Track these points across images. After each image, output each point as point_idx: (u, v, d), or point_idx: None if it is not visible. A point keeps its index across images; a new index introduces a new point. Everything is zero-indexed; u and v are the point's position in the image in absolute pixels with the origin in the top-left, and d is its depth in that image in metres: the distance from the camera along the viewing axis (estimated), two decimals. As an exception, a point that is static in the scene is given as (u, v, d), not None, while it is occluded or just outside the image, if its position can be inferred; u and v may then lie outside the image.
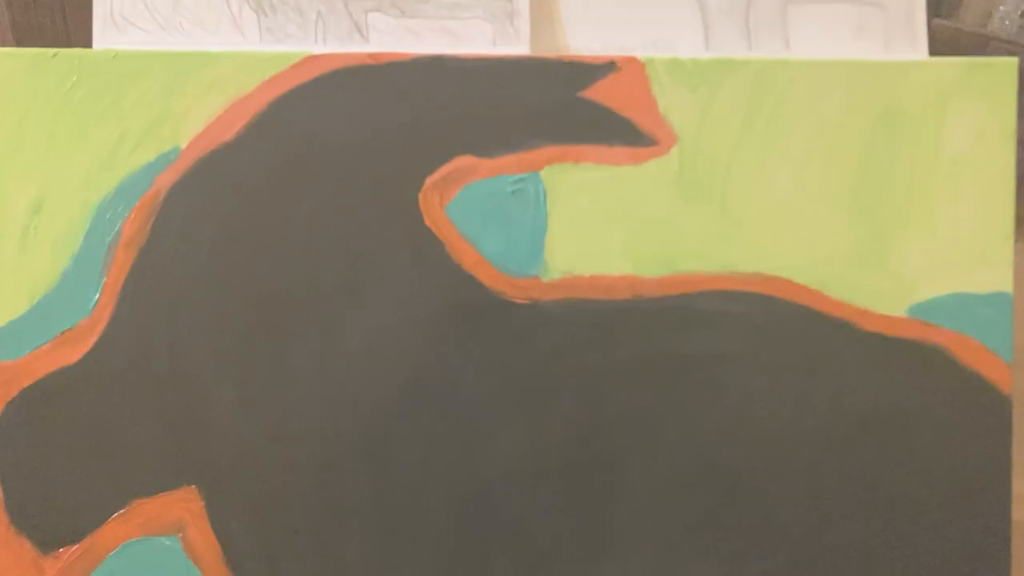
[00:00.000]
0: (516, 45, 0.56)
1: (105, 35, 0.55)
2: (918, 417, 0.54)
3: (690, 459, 0.54)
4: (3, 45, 1.19)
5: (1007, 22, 1.40)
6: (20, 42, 1.29)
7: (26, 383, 0.54)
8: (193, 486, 0.54)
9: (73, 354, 0.54)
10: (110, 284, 0.54)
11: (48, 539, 0.54)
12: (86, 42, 0.56)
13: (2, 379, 0.54)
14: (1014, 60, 0.54)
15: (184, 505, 0.54)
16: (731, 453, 0.54)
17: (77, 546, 0.54)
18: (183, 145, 0.53)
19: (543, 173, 0.54)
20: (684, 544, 0.54)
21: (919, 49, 0.57)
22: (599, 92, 0.54)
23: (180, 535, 0.54)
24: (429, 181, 0.54)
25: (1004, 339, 0.54)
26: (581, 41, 0.57)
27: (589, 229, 0.54)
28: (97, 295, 0.54)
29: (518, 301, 0.54)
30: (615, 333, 0.54)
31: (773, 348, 0.54)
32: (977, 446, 0.54)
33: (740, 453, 0.54)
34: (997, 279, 0.54)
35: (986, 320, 0.54)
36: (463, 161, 0.54)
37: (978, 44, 1.44)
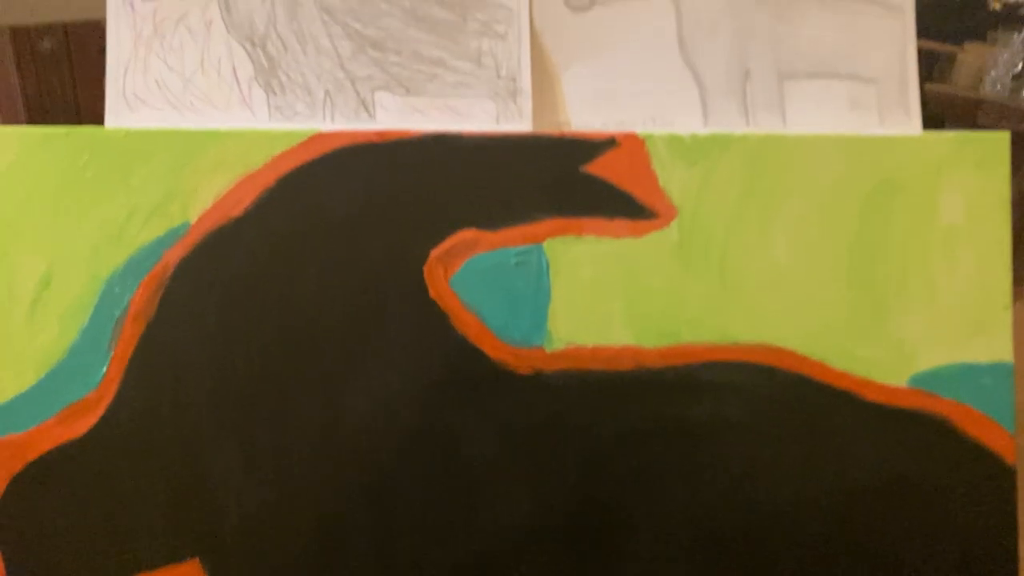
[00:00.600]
0: (519, 122, 0.57)
1: (117, 113, 0.57)
2: (922, 487, 0.54)
3: (694, 529, 0.54)
4: (16, 118, 1.22)
5: (998, 85, 1.43)
6: (32, 113, 1.31)
7: (31, 457, 0.54)
8: (197, 559, 0.54)
9: (79, 427, 0.54)
10: (117, 357, 0.54)
11: (50, 615, 0.54)
12: (96, 114, 0.58)
13: (7, 454, 0.54)
14: (1006, 134, 0.55)
15: (187, 579, 0.54)
16: (734, 523, 0.54)
17: (79, 622, 0.53)
18: (192, 220, 0.54)
19: (546, 245, 0.55)
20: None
21: (913, 123, 0.58)
22: (600, 167, 0.55)
23: (183, 610, 0.54)
24: (434, 254, 0.55)
25: (1006, 408, 0.54)
26: (582, 118, 0.58)
27: (592, 300, 0.55)
28: (104, 368, 0.54)
29: (522, 372, 0.55)
30: (618, 404, 0.55)
31: (776, 418, 0.55)
32: (982, 516, 0.54)
33: (743, 523, 0.54)
34: (996, 348, 0.55)
35: (987, 389, 0.54)
36: (467, 234, 0.55)
37: (970, 106, 1.47)
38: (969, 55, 1.53)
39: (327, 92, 0.57)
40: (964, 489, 0.54)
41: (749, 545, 0.54)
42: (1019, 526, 0.54)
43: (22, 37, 1.28)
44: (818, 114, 0.58)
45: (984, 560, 0.54)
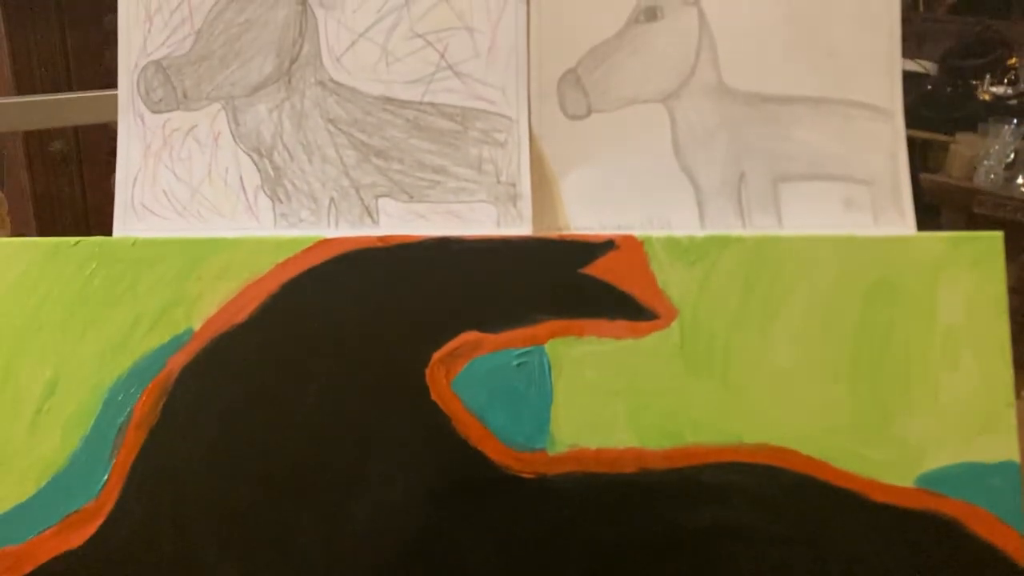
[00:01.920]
0: (519, 226, 0.58)
1: (125, 222, 0.58)
2: (934, 591, 0.53)
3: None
4: (25, 216, 1.24)
5: (992, 176, 1.45)
6: (41, 211, 1.34)
7: (28, 569, 0.53)
8: (193, 675, 0.52)
9: (78, 538, 0.53)
10: (119, 466, 0.54)
11: None
12: (103, 213, 0.59)
13: (5, 565, 0.53)
14: (999, 234, 0.56)
15: None
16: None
17: None
18: (196, 327, 0.55)
19: (547, 347, 0.55)
20: None
21: (907, 223, 0.59)
22: (599, 269, 0.56)
23: None
24: (436, 356, 0.55)
25: (1015, 510, 0.53)
26: (581, 220, 0.59)
27: (594, 401, 0.55)
28: (105, 477, 0.54)
29: (525, 476, 0.54)
30: (622, 508, 0.54)
31: (783, 521, 0.54)
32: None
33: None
34: (1002, 447, 0.54)
35: (996, 490, 0.54)
36: (469, 337, 0.55)
37: (966, 196, 1.49)
38: (962, 145, 1.56)
39: (332, 199, 0.58)
40: (978, 593, 0.53)
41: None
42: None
43: (33, 139, 1.32)
44: (813, 215, 0.59)
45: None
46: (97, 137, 1.36)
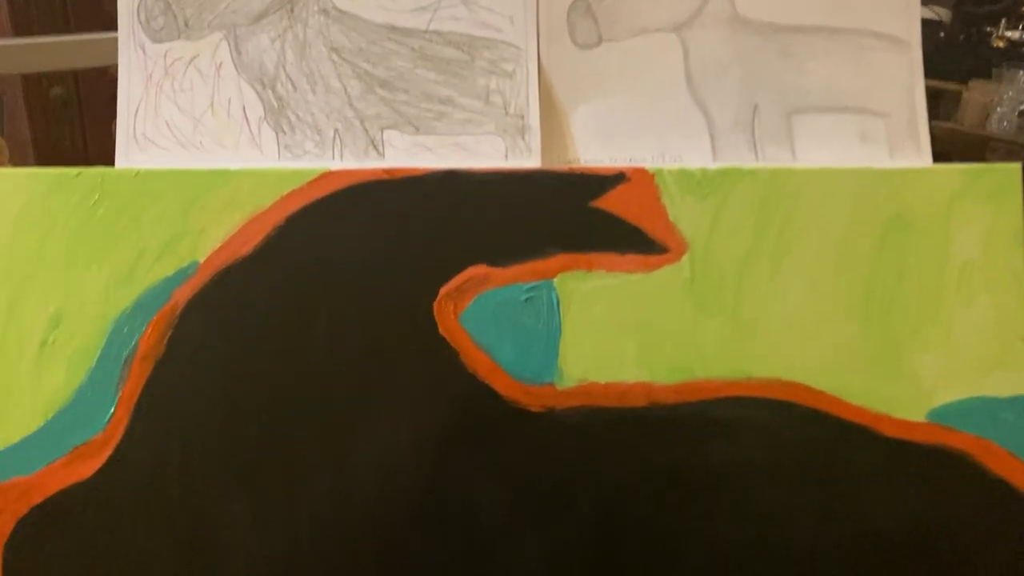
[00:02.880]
0: (528, 159, 0.57)
1: (127, 154, 0.57)
2: (943, 525, 0.53)
3: (709, 571, 0.53)
4: (26, 163, 1.23)
5: (1005, 123, 1.43)
6: (42, 159, 1.32)
7: (37, 500, 0.53)
8: (203, 606, 0.53)
9: (86, 470, 0.53)
10: (125, 398, 0.54)
11: (54, 660, 0.52)
12: (105, 159, 0.58)
13: (14, 496, 0.53)
14: (1017, 165, 0.55)
15: (193, 625, 0.53)
16: (750, 567, 0.53)
17: (83, 669, 0.52)
18: (201, 260, 0.54)
19: (556, 281, 0.54)
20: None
21: (923, 155, 0.58)
22: (609, 202, 0.55)
23: (189, 657, 0.52)
24: (443, 291, 0.54)
25: (1028, 444, 0.53)
26: (591, 154, 0.58)
27: (603, 336, 0.54)
28: (112, 409, 0.54)
29: (533, 410, 0.54)
30: (631, 442, 0.54)
31: (792, 456, 0.53)
32: (1005, 554, 0.53)
33: (759, 567, 0.53)
34: (1016, 382, 0.54)
35: (1008, 424, 0.53)
36: (477, 271, 0.54)
37: (978, 144, 1.47)
38: (975, 93, 1.53)
39: (336, 131, 0.57)
40: (986, 526, 0.53)
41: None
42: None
43: (33, 85, 1.30)
44: (828, 149, 0.58)
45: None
46: (97, 83, 1.34)
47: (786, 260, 0.55)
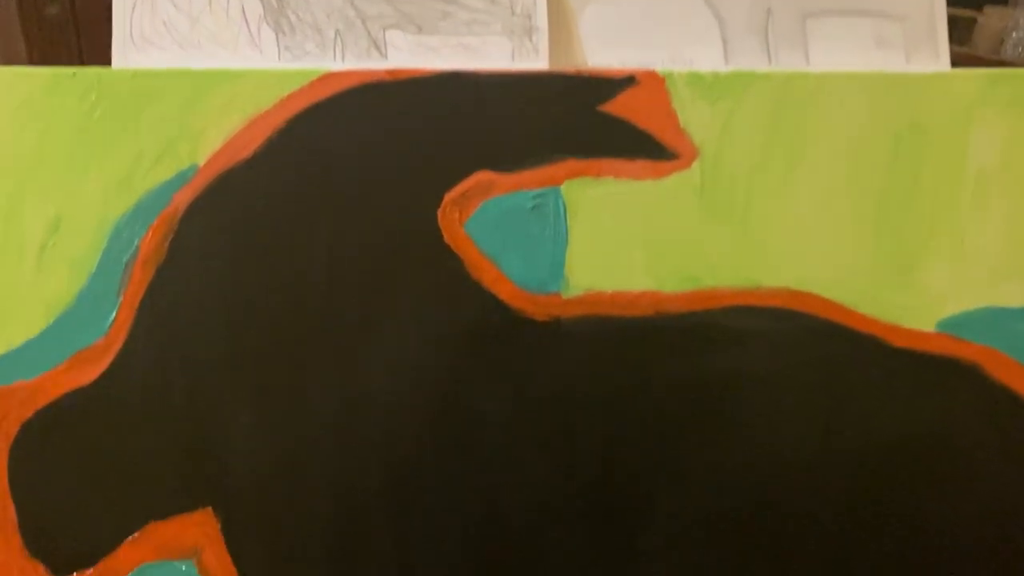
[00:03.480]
0: (534, 61, 0.56)
1: (124, 54, 0.55)
2: (951, 436, 0.53)
3: (714, 484, 0.53)
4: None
5: (1020, 48, 1.39)
6: (35, 62, 1.30)
7: (41, 404, 0.53)
8: (209, 509, 0.53)
9: (88, 374, 0.53)
10: (127, 303, 0.53)
11: (62, 563, 0.53)
12: (99, 62, 0.56)
13: (17, 400, 0.53)
14: (1038, 71, 0.54)
15: (200, 529, 0.53)
16: (756, 477, 0.53)
17: (91, 570, 0.53)
18: (201, 163, 0.53)
19: (563, 188, 0.53)
20: (708, 572, 0.53)
21: (941, 61, 0.56)
22: (619, 106, 0.54)
23: (195, 559, 0.53)
24: (448, 198, 0.53)
25: (1038, 354, 0.53)
26: (600, 57, 0.56)
27: (611, 244, 0.53)
28: (113, 314, 0.53)
29: (539, 319, 0.53)
30: (638, 351, 0.53)
31: (800, 366, 0.53)
32: (1013, 466, 0.53)
33: (766, 477, 0.53)
34: (1028, 292, 0.53)
35: (1018, 334, 0.53)
36: (482, 177, 0.53)
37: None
38: (990, 19, 1.50)
39: (337, 31, 0.55)
40: (994, 437, 0.53)
41: (772, 501, 0.53)
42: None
43: (28, 3, 1.27)
44: (842, 53, 0.56)
45: (1015, 512, 0.52)
46: (94, 2, 1.31)
47: (798, 167, 0.54)
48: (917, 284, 0.53)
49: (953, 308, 0.53)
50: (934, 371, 0.53)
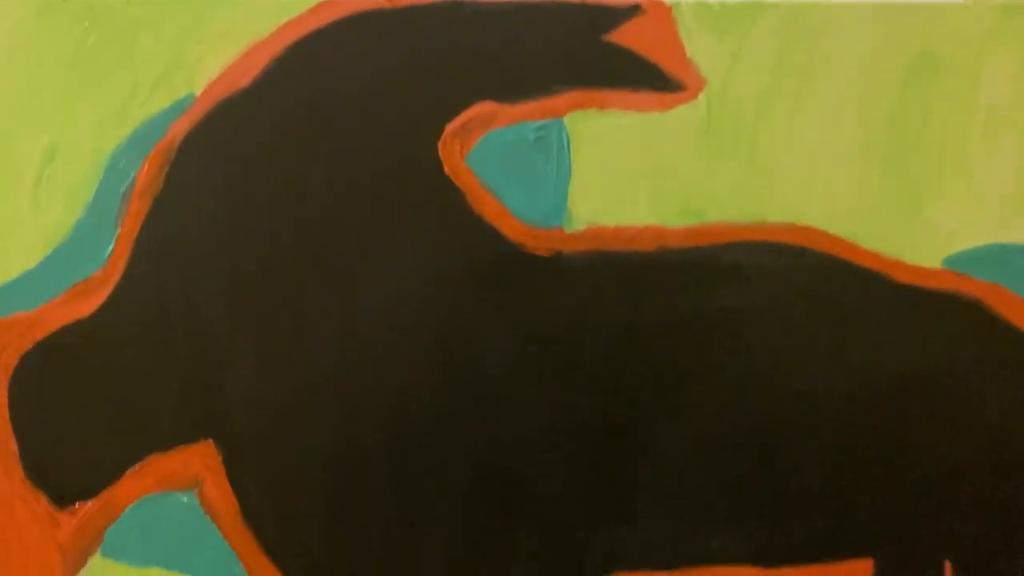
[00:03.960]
0: (538, -12, 0.54)
1: (118, -20, 0.54)
2: (954, 373, 0.52)
3: (716, 419, 0.53)
4: None
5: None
6: None
7: (40, 335, 0.53)
8: (211, 440, 0.53)
9: (87, 306, 0.53)
10: (124, 235, 0.53)
11: (64, 494, 0.53)
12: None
13: (16, 331, 0.53)
14: (1057, 2, 0.52)
15: (201, 460, 0.53)
16: (758, 413, 0.53)
17: (93, 501, 0.53)
18: (198, 92, 0.52)
19: (567, 120, 0.53)
20: (710, 508, 0.53)
21: (956, -8, 0.55)
22: (624, 36, 0.52)
23: (197, 490, 0.53)
24: (449, 129, 0.53)
25: (1044, 291, 0.52)
26: (605, -16, 0.55)
27: (614, 178, 0.53)
28: (111, 246, 0.53)
29: (541, 253, 0.53)
30: (640, 287, 0.53)
31: (803, 302, 0.53)
32: (1016, 403, 0.52)
33: (768, 413, 0.53)
34: (1036, 230, 0.52)
35: (1024, 272, 0.52)
36: (484, 108, 0.53)
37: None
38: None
39: (337, -43, 0.54)
40: (997, 375, 0.52)
41: (772, 437, 0.53)
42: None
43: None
44: (855, -18, 0.55)
45: (1015, 444, 0.52)
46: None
47: (807, 99, 0.53)
48: (924, 220, 0.53)
49: (960, 245, 0.53)
50: (937, 306, 0.53)
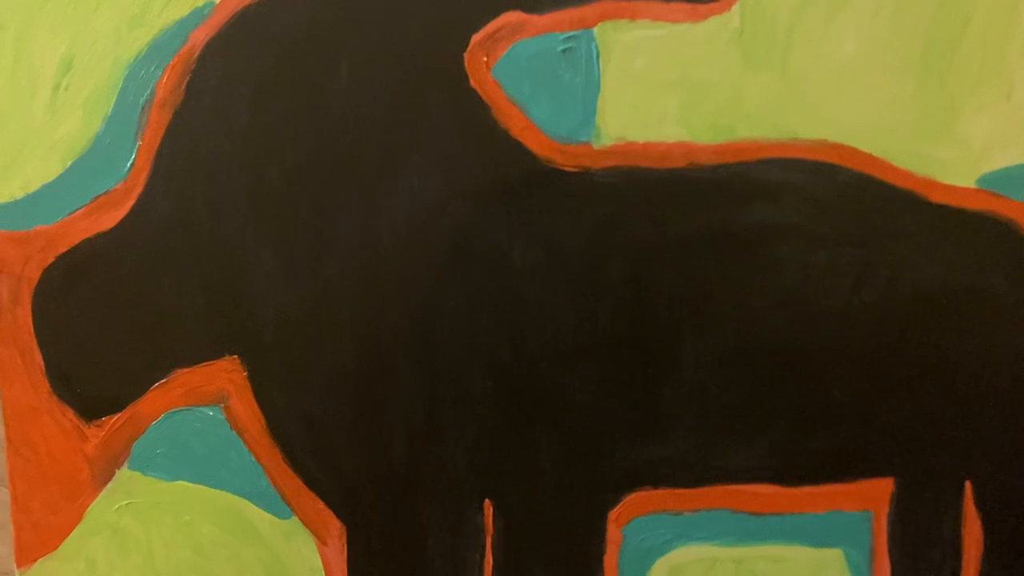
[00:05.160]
0: None
1: None
2: (984, 293, 0.52)
3: (742, 335, 0.53)
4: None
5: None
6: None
7: (62, 249, 0.52)
8: (235, 356, 0.53)
9: (109, 220, 0.52)
10: (145, 147, 0.52)
11: (90, 408, 0.53)
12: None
13: (38, 244, 0.52)
14: (1107, -93, 0.50)
15: (226, 375, 0.53)
16: (784, 329, 0.52)
17: (119, 415, 0.53)
18: (217, -1, 0.51)
19: (596, 31, 0.51)
20: (733, 424, 0.53)
21: (1001, -103, 0.53)
22: (657, -57, 0.51)
23: (223, 405, 0.53)
24: (475, 39, 0.51)
25: (1080, 212, 0.51)
26: None
27: (644, 92, 0.51)
28: (132, 158, 0.52)
29: (568, 169, 0.52)
30: (668, 203, 0.52)
31: (833, 220, 0.52)
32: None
33: (794, 329, 0.52)
34: (1073, 150, 0.51)
35: (1061, 192, 0.51)
36: (511, 17, 0.51)
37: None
38: None
39: None
40: (1026, 293, 0.52)
41: (798, 352, 0.52)
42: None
43: None
44: None
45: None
46: None
47: (842, 11, 0.51)
48: (960, 138, 0.52)
49: (996, 163, 0.52)
50: (970, 227, 0.52)
